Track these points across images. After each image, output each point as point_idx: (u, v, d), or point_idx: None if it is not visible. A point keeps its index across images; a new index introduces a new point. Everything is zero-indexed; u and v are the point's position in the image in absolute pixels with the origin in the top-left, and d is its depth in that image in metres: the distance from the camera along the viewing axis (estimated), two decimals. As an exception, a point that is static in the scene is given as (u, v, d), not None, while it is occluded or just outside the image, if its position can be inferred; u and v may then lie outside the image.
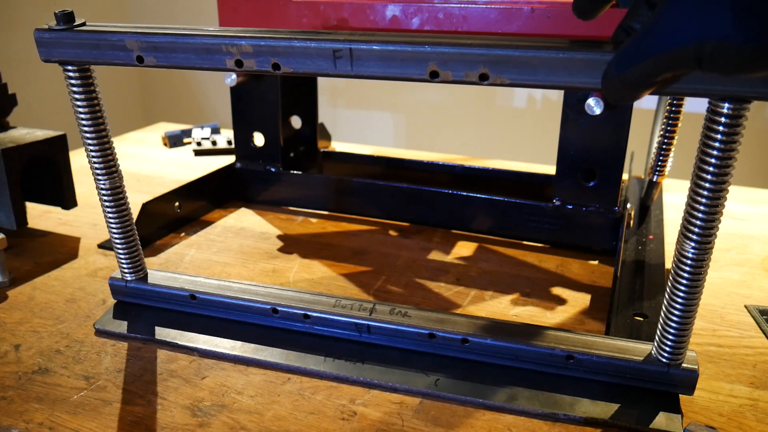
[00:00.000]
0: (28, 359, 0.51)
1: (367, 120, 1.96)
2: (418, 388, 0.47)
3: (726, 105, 0.37)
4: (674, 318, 0.43)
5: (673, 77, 0.33)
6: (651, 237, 0.72)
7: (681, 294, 0.42)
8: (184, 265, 0.67)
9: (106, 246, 0.70)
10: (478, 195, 0.72)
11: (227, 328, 0.54)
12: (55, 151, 0.70)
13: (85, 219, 0.78)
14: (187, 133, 1.08)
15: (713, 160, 0.38)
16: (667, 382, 0.45)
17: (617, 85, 0.34)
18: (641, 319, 0.55)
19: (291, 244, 0.72)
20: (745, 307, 0.60)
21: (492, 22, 0.55)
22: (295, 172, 0.81)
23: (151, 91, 2.23)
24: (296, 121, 0.85)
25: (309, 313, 0.53)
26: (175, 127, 1.15)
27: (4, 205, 0.67)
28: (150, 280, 0.57)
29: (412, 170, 0.87)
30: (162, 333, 0.54)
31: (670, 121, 0.69)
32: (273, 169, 0.82)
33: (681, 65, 0.31)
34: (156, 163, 0.99)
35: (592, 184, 0.67)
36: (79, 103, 0.49)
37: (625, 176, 0.68)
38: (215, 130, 1.08)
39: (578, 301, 0.60)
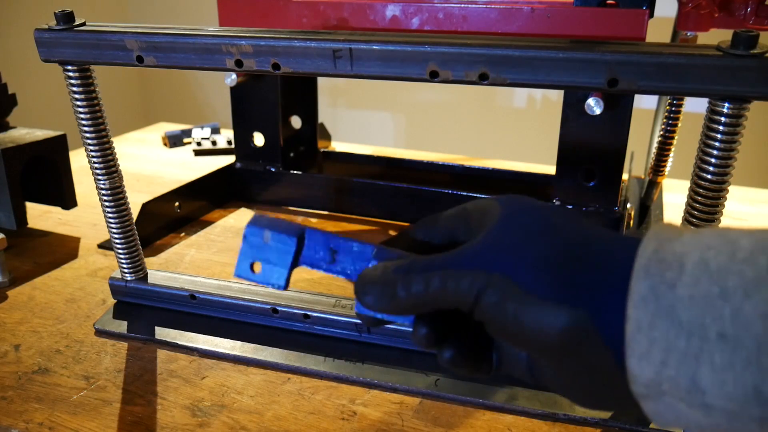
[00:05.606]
0: (28, 359, 0.51)
1: (367, 120, 1.96)
2: (418, 388, 0.47)
3: (726, 105, 0.37)
4: (674, 318, 0.43)
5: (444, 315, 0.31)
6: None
7: (681, 294, 0.42)
8: (184, 265, 0.67)
9: (106, 246, 0.70)
10: (478, 195, 0.72)
11: (227, 328, 0.54)
12: (55, 151, 0.70)
13: (85, 219, 0.78)
14: (187, 133, 1.08)
15: (713, 160, 0.38)
16: (667, 382, 0.45)
17: (386, 288, 0.29)
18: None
19: (291, 244, 0.72)
20: (745, 307, 0.59)
21: (492, 22, 0.55)
22: (295, 172, 0.81)
23: (151, 91, 2.23)
24: (296, 121, 0.85)
25: (309, 313, 0.53)
26: (175, 127, 1.15)
27: (4, 205, 0.67)
28: (150, 280, 0.57)
29: (412, 170, 0.87)
30: (162, 333, 0.54)
31: (670, 121, 0.69)
32: (273, 169, 0.82)
33: (460, 296, 0.28)
34: (156, 163, 0.99)
35: (592, 184, 0.67)
36: (79, 103, 0.49)
37: (625, 176, 0.68)
38: (215, 130, 1.08)
39: (578, 301, 0.60)
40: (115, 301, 0.58)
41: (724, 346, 0.23)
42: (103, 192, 0.52)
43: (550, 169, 0.81)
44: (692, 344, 0.23)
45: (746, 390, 0.22)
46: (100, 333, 0.55)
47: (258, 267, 0.32)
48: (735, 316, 0.23)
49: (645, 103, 1.44)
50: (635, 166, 0.84)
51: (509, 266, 0.27)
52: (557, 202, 0.69)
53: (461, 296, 0.28)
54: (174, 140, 1.06)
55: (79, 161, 0.92)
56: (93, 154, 0.51)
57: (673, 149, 0.71)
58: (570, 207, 0.69)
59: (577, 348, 0.26)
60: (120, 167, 0.53)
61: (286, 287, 0.32)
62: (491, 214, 0.30)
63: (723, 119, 0.37)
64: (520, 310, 0.27)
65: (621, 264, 0.26)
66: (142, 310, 0.57)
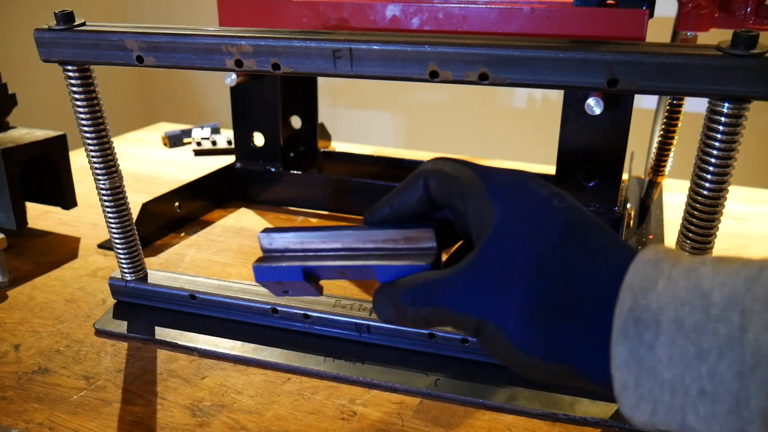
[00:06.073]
0: (28, 359, 0.51)
1: (367, 120, 1.96)
2: (418, 388, 0.47)
3: (726, 105, 0.37)
4: (674, 318, 0.43)
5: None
6: (651, 237, 0.72)
7: (681, 294, 0.42)
8: (184, 265, 0.67)
9: (106, 246, 0.70)
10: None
11: (227, 328, 0.54)
12: (55, 151, 0.70)
13: (85, 219, 0.78)
14: (187, 133, 1.08)
15: (713, 160, 0.38)
16: (667, 382, 0.45)
17: (398, 312, 0.32)
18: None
19: (291, 244, 0.72)
20: (745, 307, 0.59)
21: (492, 22, 0.55)
22: (295, 172, 0.81)
23: (151, 91, 2.23)
24: (296, 121, 0.85)
25: (309, 313, 0.53)
26: (175, 127, 1.15)
27: (4, 205, 0.67)
28: (150, 280, 0.57)
29: (412, 170, 0.86)
30: (162, 333, 0.54)
31: (670, 121, 0.69)
32: (273, 169, 0.82)
33: (462, 328, 0.31)
34: (156, 163, 0.99)
35: (592, 184, 0.67)
36: (79, 103, 0.49)
37: (625, 176, 0.68)
38: (215, 130, 1.08)
39: (578, 301, 0.60)
40: (115, 301, 0.58)
41: (706, 401, 0.24)
42: (103, 192, 0.52)
43: (550, 169, 0.81)
44: (676, 399, 0.25)
45: (731, 431, 0.24)
46: (100, 333, 0.55)
47: (288, 292, 0.36)
48: (712, 375, 0.24)
49: (645, 103, 1.44)
50: (635, 166, 0.84)
51: (497, 315, 0.29)
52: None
53: (460, 329, 0.31)
54: (174, 140, 1.06)
55: (79, 161, 0.92)
56: (93, 154, 0.51)
57: (673, 149, 0.71)
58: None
59: (567, 382, 0.29)
60: (120, 167, 0.53)
61: (321, 293, 0.36)
62: (487, 221, 0.31)
63: (723, 119, 0.37)
64: (510, 361, 0.29)
65: (601, 320, 0.27)
66: (142, 310, 0.57)
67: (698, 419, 0.24)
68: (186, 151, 1.04)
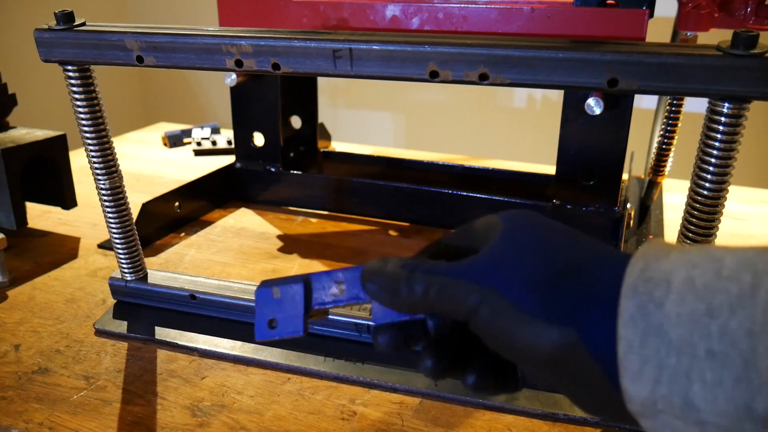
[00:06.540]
0: (28, 359, 0.51)
1: (367, 120, 1.96)
2: (418, 388, 0.47)
3: (726, 105, 0.37)
4: (674, 318, 0.43)
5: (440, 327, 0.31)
6: (651, 237, 0.72)
7: (681, 294, 0.42)
8: (184, 265, 0.67)
9: (106, 246, 0.70)
10: (478, 195, 0.72)
11: (227, 328, 0.54)
12: (55, 151, 0.70)
13: (85, 219, 0.78)
14: (187, 133, 1.08)
15: (713, 160, 0.38)
16: (667, 382, 0.45)
17: (389, 281, 0.31)
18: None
19: (291, 244, 0.72)
20: (745, 307, 0.59)
21: (492, 22, 0.55)
22: (295, 172, 0.81)
23: (151, 91, 2.22)
24: (296, 121, 0.85)
25: (309, 313, 0.53)
26: (175, 127, 1.15)
27: (4, 205, 0.67)
28: (150, 280, 0.57)
29: (412, 170, 0.87)
30: (162, 333, 0.54)
31: (670, 121, 0.69)
32: (273, 169, 0.82)
33: (459, 305, 0.29)
34: (156, 163, 0.99)
35: (592, 184, 0.67)
36: (79, 103, 0.49)
37: (625, 176, 0.68)
38: (215, 130, 1.08)
39: (578, 301, 0.60)
40: (115, 301, 0.58)
41: (713, 363, 0.23)
42: (103, 192, 0.52)
43: (550, 169, 0.81)
44: (682, 362, 0.24)
45: (737, 407, 0.23)
46: (100, 333, 0.55)
47: (274, 323, 0.33)
48: (722, 333, 0.23)
49: (645, 103, 1.44)
50: (635, 166, 0.84)
51: (503, 283, 0.28)
52: (557, 203, 0.69)
53: (457, 306, 0.29)
54: (174, 140, 1.06)
55: (79, 161, 0.92)
56: (93, 154, 0.51)
57: (673, 149, 0.71)
58: (570, 207, 0.69)
59: (567, 365, 0.27)
60: (120, 167, 0.53)
61: (305, 332, 0.33)
62: (494, 230, 0.31)
63: (723, 119, 0.37)
64: (511, 327, 0.28)
65: (610, 283, 0.26)
66: (142, 310, 0.57)
67: (704, 388, 0.23)
68: (186, 151, 1.04)
